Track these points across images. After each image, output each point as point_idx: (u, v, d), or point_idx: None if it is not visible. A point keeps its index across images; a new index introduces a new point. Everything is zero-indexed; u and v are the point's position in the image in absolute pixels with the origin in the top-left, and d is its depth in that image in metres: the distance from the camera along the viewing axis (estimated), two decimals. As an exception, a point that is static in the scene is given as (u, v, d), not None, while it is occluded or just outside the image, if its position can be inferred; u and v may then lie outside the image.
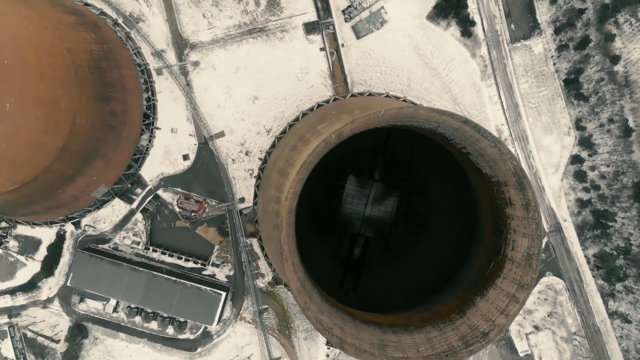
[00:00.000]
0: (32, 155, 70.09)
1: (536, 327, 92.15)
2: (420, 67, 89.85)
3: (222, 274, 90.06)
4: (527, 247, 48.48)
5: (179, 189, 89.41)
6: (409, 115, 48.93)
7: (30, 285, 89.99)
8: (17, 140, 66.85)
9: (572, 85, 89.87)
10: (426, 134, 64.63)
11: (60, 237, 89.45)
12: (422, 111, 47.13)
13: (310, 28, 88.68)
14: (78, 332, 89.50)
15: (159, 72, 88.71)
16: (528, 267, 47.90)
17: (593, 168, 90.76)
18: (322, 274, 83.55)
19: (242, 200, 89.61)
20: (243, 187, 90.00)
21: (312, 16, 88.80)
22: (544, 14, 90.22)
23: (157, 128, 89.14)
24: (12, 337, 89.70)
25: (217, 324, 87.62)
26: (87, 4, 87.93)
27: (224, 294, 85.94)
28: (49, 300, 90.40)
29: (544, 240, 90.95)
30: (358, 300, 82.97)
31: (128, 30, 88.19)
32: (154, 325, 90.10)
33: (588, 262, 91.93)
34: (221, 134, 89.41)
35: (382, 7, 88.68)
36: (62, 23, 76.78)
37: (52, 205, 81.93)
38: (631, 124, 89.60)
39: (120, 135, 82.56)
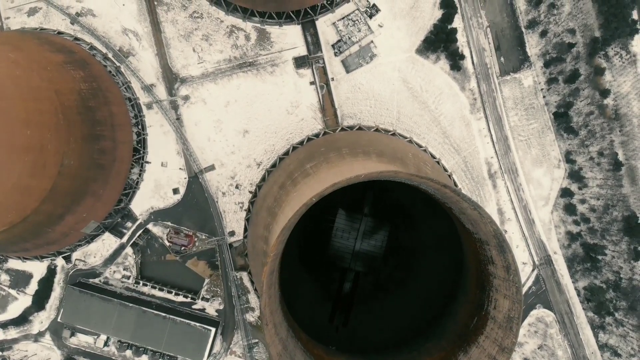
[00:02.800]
0: (19, 199, 70.13)
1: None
2: (410, 101, 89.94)
3: (212, 308, 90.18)
4: (508, 309, 48.55)
5: (169, 223, 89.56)
6: (390, 177, 49.13)
7: (22, 319, 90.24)
8: (4, 186, 66.97)
9: (561, 119, 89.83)
10: (412, 186, 64.71)
11: (51, 271, 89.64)
12: (401, 175, 47.32)
13: (300, 62, 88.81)
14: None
15: (149, 106, 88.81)
16: (509, 330, 47.95)
17: (583, 201, 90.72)
18: (311, 309, 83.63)
19: (232, 233, 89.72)
20: (233, 220, 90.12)
21: (302, 50, 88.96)
22: (533, 47, 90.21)
23: (147, 162, 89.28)
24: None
25: (207, 359, 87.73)
26: (77, 39, 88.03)
27: (213, 330, 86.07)
28: (41, 334, 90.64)
29: (534, 273, 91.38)
30: (348, 335, 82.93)
31: (118, 64, 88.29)
32: (144, 359, 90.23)
33: (578, 295, 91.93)
34: (211, 168, 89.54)
35: (372, 42, 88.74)
36: (51, 63, 76.78)
37: (42, 242, 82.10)
38: (621, 157, 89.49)
39: (109, 172, 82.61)
